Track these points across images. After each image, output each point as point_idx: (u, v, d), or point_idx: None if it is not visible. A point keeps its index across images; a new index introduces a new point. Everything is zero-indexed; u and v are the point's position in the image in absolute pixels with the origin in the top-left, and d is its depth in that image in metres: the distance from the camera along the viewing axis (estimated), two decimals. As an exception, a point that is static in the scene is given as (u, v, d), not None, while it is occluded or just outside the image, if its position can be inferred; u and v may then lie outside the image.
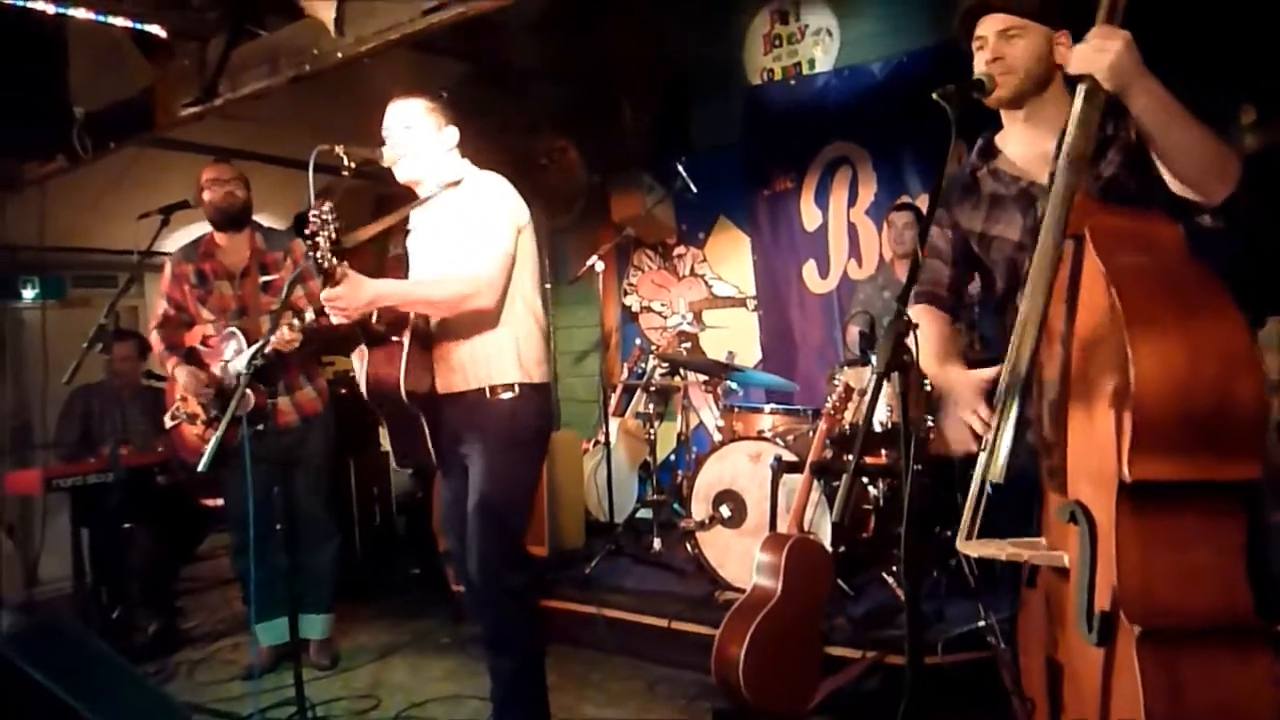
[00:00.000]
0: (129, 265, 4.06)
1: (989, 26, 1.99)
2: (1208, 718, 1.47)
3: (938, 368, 2.16)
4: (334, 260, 2.45)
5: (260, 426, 3.41)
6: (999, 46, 1.97)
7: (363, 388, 2.80)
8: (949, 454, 2.12)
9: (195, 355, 3.83)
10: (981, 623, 3.16)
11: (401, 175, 2.81)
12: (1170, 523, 1.53)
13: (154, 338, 3.92)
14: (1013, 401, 1.74)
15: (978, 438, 1.94)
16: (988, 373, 1.96)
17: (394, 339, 2.73)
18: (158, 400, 5.04)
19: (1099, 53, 1.69)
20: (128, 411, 4.83)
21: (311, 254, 2.43)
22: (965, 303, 2.30)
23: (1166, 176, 1.79)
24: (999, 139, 2.15)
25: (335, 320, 2.63)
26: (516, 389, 2.77)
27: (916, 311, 2.27)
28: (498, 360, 2.76)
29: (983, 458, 1.78)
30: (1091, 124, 1.73)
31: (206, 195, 3.80)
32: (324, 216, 2.42)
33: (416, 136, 2.78)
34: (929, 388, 3.98)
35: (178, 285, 3.87)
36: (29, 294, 5.93)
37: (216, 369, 3.73)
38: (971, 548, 1.81)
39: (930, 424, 3.87)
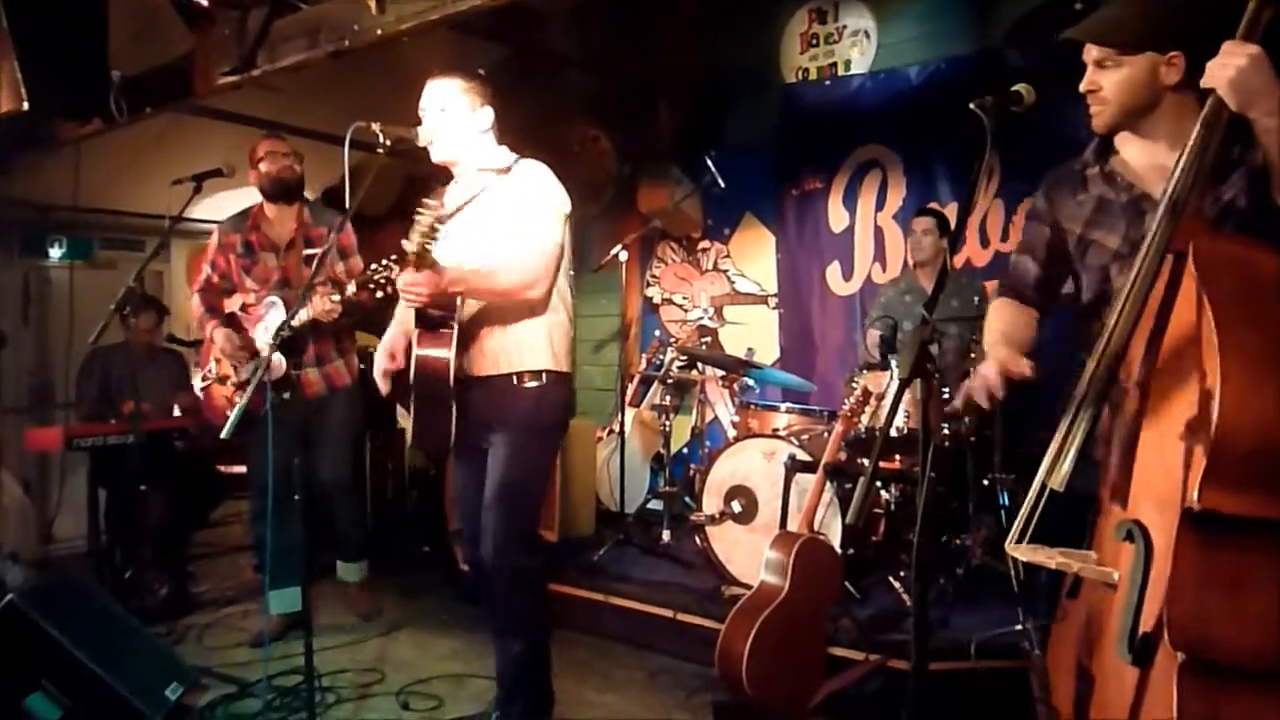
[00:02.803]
0: (158, 230, 4.10)
1: (1087, 54, 1.94)
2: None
3: (991, 350, 2.12)
4: (427, 249, 2.52)
5: (286, 395, 3.51)
6: (1094, 77, 1.93)
7: (379, 368, 2.83)
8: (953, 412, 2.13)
9: (235, 320, 3.95)
10: (1019, 626, 3.17)
11: (437, 155, 2.83)
12: (1231, 557, 1.49)
13: (195, 301, 4.06)
14: (1088, 409, 1.72)
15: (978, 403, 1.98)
16: (1024, 364, 1.97)
17: (445, 324, 2.75)
18: (176, 364, 5.11)
19: (1223, 68, 1.63)
20: (144, 374, 4.87)
21: (415, 237, 2.50)
22: (1056, 302, 2.25)
23: None
24: (1119, 141, 2.05)
25: (411, 304, 2.68)
26: (544, 377, 2.79)
27: (995, 304, 2.27)
28: (531, 347, 2.79)
29: (1046, 462, 1.76)
30: (1210, 139, 1.67)
31: (263, 166, 3.95)
32: (433, 206, 2.51)
33: (451, 117, 2.79)
34: (947, 395, 3.98)
35: (223, 254, 4.01)
36: (56, 253, 5.98)
37: (254, 334, 3.85)
38: (1021, 552, 1.79)
39: (946, 431, 3.87)
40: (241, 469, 5.17)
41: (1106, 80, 1.91)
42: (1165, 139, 1.93)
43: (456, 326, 2.75)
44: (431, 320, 2.77)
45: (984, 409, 1.99)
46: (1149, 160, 1.99)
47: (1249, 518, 1.47)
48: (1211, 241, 1.63)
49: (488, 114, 2.85)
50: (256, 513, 3.99)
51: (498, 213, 2.79)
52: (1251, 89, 1.62)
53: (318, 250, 3.88)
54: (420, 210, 2.50)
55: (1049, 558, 1.79)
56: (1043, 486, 1.77)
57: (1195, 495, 1.47)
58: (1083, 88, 1.95)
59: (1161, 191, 1.73)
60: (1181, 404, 1.57)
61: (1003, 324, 2.20)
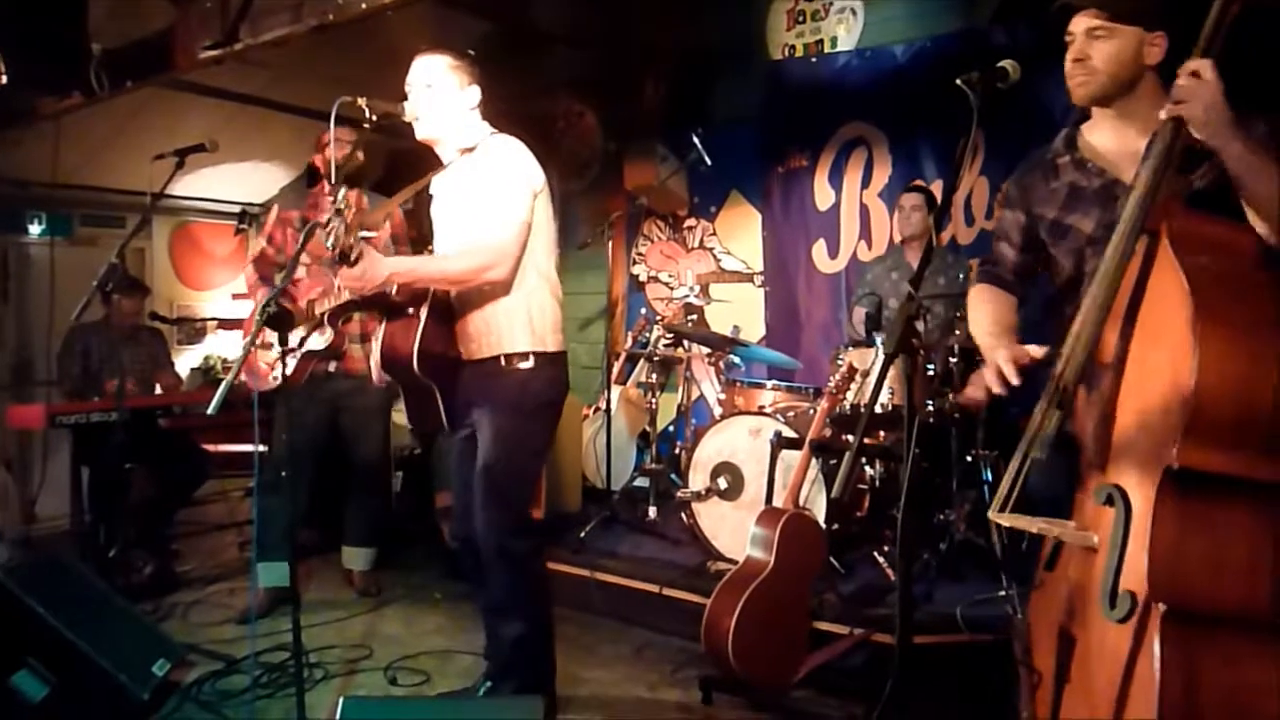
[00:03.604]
0: (139, 206, 4.06)
1: (1078, 24, 1.99)
2: (1220, 704, 1.53)
3: (988, 339, 2.13)
4: (350, 243, 2.51)
5: (331, 367, 4.03)
6: (1084, 46, 1.97)
7: (377, 357, 2.84)
8: (971, 402, 2.13)
9: (284, 292, 4.01)
10: (1002, 592, 3.25)
11: (420, 133, 2.80)
12: (1208, 512, 1.58)
13: (249, 270, 4.24)
14: (1072, 382, 1.78)
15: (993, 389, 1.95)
16: (1033, 349, 1.97)
17: (411, 311, 2.74)
18: (157, 341, 5.08)
19: (1194, 99, 1.69)
20: (125, 352, 4.84)
21: (328, 239, 2.51)
22: (1031, 288, 2.29)
23: (1252, 218, 1.79)
24: (1086, 128, 2.12)
25: (355, 294, 2.68)
26: (531, 358, 2.77)
27: (976, 289, 2.28)
28: (509, 328, 2.77)
29: (1029, 433, 1.82)
30: (1174, 153, 1.75)
31: (327, 152, 4.07)
32: (339, 206, 2.51)
33: (437, 95, 2.77)
34: (932, 371, 4.01)
35: (281, 228, 4.18)
36: (36, 230, 5.92)
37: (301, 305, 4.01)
38: (1004, 519, 1.86)
39: (930, 407, 3.90)
40: (227, 447, 5.19)
41: (1096, 50, 1.96)
42: (1138, 122, 2.00)
43: (424, 314, 2.73)
44: (395, 309, 2.76)
45: (982, 404, 1.99)
46: (1120, 145, 2.04)
47: (1225, 475, 1.56)
48: (1184, 219, 1.72)
49: (474, 93, 2.82)
50: (272, 483, 4.07)
51: (468, 191, 2.77)
52: (1214, 122, 1.69)
53: (372, 234, 3.98)
54: (326, 207, 2.52)
55: (1030, 523, 1.86)
56: (1024, 456, 1.82)
57: (1175, 454, 1.55)
58: (1071, 56, 1.99)
59: (1133, 176, 1.80)
60: (1159, 373, 1.64)
61: (992, 313, 2.21)
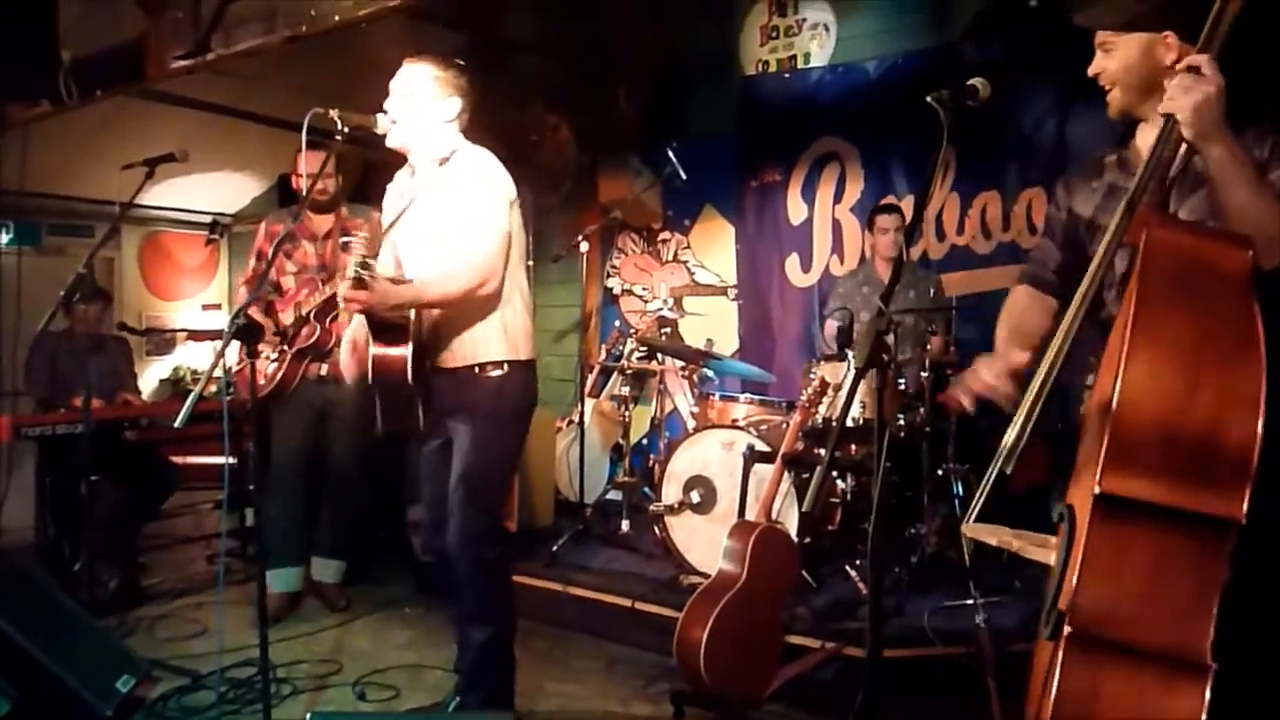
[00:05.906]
0: (107, 215, 4.03)
1: (1097, 40, 1.98)
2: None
3: (1001, 340, 2.08)
4: (365, 272, 2.56)
5: (323, 370, 4.07)
6: (1099, 60, 1.96)
7: (347, 363, 2.83)
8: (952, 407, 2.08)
9: (271, 306, 4.12)
10: (970, 600, 3.25)
11: (391, 141, 2.79)
12: (1133, 541, 1.51)
13: (241, 292, 4.34)
14: (1039, 398, 1.73)
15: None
16: (1020, 357, 1.94)
17: (399, 324, 2.73)
18: (122, 352, 5.01)
19: (1186, 94, 1.64)
20: (91, 362, 4.77)
21: (354, 266, 2.57)
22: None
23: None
24: (1140, 128, 2.04)
25: (345, 312, 2.67)
26: (505, 366, 2.79)
27: (1014, 291, 2.23)
28: (484, 338, 2.78)
29: (1007, 442, 1.78)
30: (1167, 153, 1.71)
31: (303, 181, 4.09)
32: (363, 236, 2.62)
33: (414, 104, 2.74)
34: (903, 385, 4.04)
35: (269, 242, 4.15)
36: (3, 239, 5.85)
37: (284, 316, 4.06)
38: (971, 530, 1.87)
39: (902, 421, 3.92)
40: (195, 459, 5.13)
41: (1109, 63, 1.95)
42: None
43: (411, 323, 2.72)
44: (386, 324, 2.75)
45: (964, 410, 1.97)
46: None
47: (1143, 502, 1.48)
48: (1163, 229, 1.61)
49: (454, 104, 2.79)
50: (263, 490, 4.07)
51: (442, 206, 2.76)
52: (1207, 121, 1.64)
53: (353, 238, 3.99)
54: (349, 241, 2.58)
55: (993, 535, 1.85)
56: (994, 468, 1.79)
57: (1098, 478, 1.48)
58: (1089, 72, 1.98)
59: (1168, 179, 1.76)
60: (1107, 392, 1.56)
61: (1014, 317, 2.16)
